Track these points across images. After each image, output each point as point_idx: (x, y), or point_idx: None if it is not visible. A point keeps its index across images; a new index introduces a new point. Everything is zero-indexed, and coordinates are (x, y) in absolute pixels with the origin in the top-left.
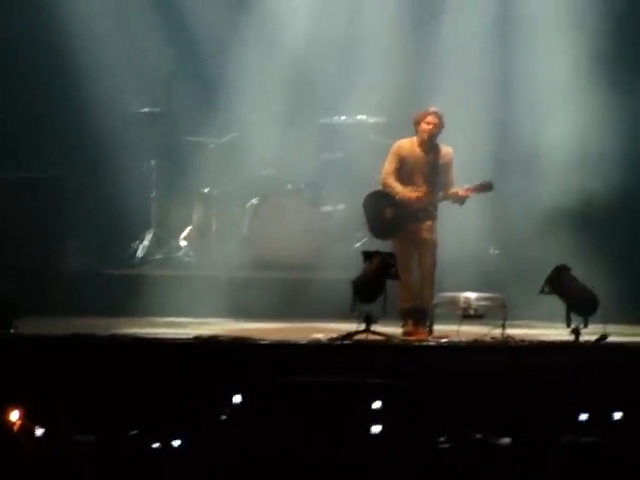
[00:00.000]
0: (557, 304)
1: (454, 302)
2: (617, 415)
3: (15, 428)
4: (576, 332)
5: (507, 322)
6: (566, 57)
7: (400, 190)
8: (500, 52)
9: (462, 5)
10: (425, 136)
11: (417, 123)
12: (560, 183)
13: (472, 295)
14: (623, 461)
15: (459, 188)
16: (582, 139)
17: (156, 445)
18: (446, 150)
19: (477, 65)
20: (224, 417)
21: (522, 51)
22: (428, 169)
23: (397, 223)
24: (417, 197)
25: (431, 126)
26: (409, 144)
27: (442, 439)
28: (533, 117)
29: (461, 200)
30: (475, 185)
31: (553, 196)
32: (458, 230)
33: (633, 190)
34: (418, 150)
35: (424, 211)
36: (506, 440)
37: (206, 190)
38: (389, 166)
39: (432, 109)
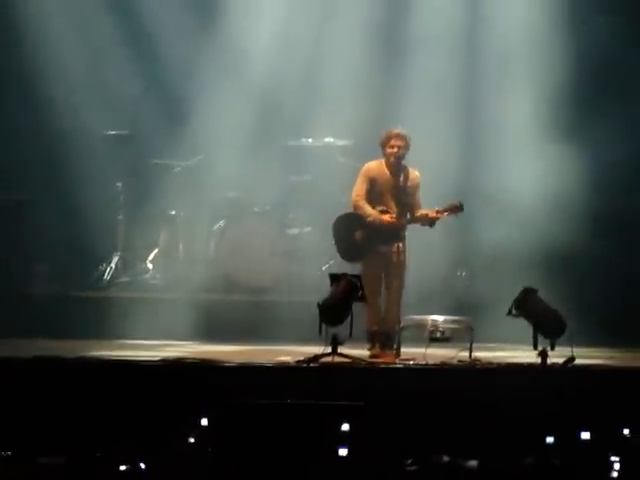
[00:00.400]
0: (524, 326)
1: (421, 325)
2: (584, 437)
3: None
4: (543, 354)
5: (474, 345)
6: (529, 96)
7: (371, 212)
8: (467, 78)
9: (429, 30)
10: (392, 158)
11: (383, 146)
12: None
13: (439, 318)
14: None
15: (429, 210)
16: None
17: (123, 467)
18: (413, 173)
19: (443, 88)
20: (191, 439)
21: (488, 81)
22: (397, 191)
23: (367, 245)
24: (388, 220)
25: (396, 148)
26: (378, 166)
27: (409, 461)
28: (498, 141)
29: (431, 222)
30: (445, 207)
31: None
32: (426, 253)
33: (597, 218)
34: (386, 172)
35: (393, 233)
36: (473, 462)
37: (173, 212)
38: (359, 188)
39: (395, 131)
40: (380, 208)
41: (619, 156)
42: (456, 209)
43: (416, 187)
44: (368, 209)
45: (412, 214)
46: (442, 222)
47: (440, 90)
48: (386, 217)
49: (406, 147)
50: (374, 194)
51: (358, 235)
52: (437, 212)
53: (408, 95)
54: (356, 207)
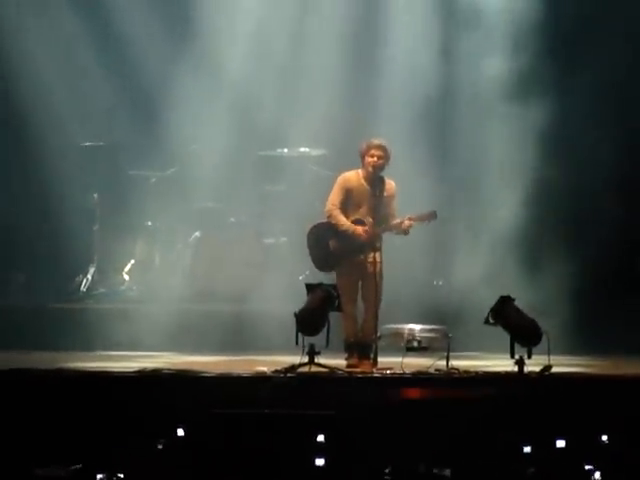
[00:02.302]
0: (501, 335)
1: (398, 334)
2: (561, 444)
3: None
4: (520, 363)
5: (451, 353)
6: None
7: (344, 222)
8: (441, 91)
9: (404, 36)
10: (370, 168)
11: (362, 156)
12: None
13: (416, 327)
14: None
15: (402, 218)
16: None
17: (100, 477)
18: (390, 183)
19: (420, 97)
20: (168, 449)
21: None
22: (373, 201)
23: (341, 255)
24: (360, 233)
25: (375, 158)
26: (354, 176)
27: (386, 470)
28: (473, 147)
29: (405, 231)
30: (418, 214)
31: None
32: (402, 262)
33: (578, 222)
34: (363, 182)
35: (368, 243)
36: (449, 471)
37: (149, 223)
38: (334, 197)
39: (377, 141)
40: (354, 218)
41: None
42: (429, 217)
43: (392, 197)
44: (342, 219)
45: (386, 223)
46: (419, 231)
47: (414, 101)
48: (358, 229)
49: (386, 158)
50: (350, 204)
51: (332, 244)
52: (410, 219)
53: (383, 105)
54: (330, 217)
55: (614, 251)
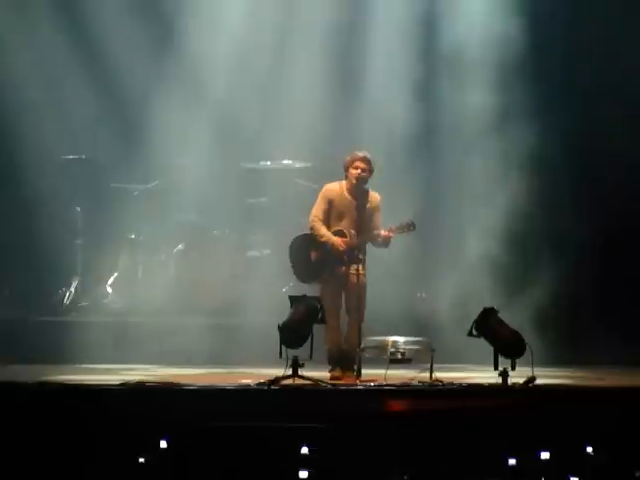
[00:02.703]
0: (485, 347)
1: (382, 346)
2: (545, 456)
3: None
4: (504, 375)
5: (435, 365)
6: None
7: (325, 233)
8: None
9: (387, 48)
10: (353, 180)
11: (346, 168)
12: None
13: (400, 339)
14: None
15: (382, 229)
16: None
17: None
18: (374, 195)
19: (403, 110)
20: (153, 462)
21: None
22: (356, 213)
23: (322, 266)
24: (340, 244)
25: (359, 171)
26: (338, 188)
27: None
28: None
29: (385, 243)
30: (397, 225)
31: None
32: (385, 274)
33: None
34: (346, 194)
35: (350, 255)
36: None
37: (132, 236)
38: (317, 209)
39: (361, 154)
40: (336, 229)
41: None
42: (408, 227)
43: (376, 209)
44: (322, 230)
45: (368, 234)
46: (400, 241)
47: (396, 114)
48: (338, 240)
49: (370, 171)
50: (333, 215)
51: (313, 256)
52: (390, 231)
53: (366, 116)
54: (312, 228)
55: (596, 262)
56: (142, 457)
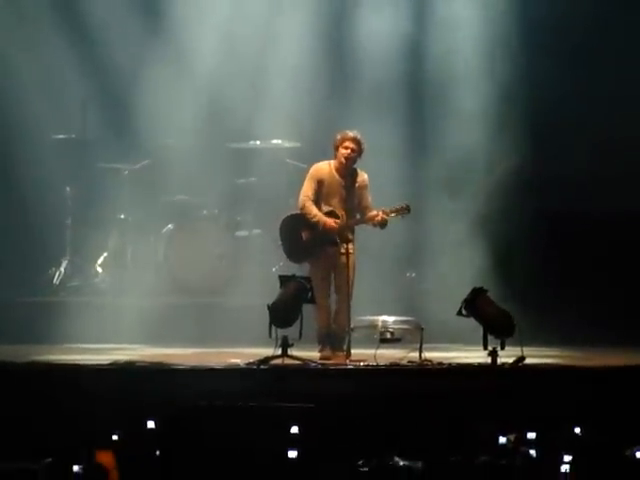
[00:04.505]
0: (474, 326)
1: (371, 326)
2: (533, 436)
3: None
4: (493, 354)
5: (424, 345)
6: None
7: (316, 213)
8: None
9: (374, 27)
10: (342, 160)
11: (336, 147)
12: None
13: (389, 319)
14: None
15: (377, 210)
16: None
17: (76, 468)
18: (362, 175)
19: (391, 90)
20: (141, 442)
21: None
22: (345, 193)
23: (313, 246)
24: (330, 224)
25: (349, 150)
26: (327, 167)
27: (360, 462)
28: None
29: (382, 224)
30: (392, 208)
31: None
32: (375, 254)
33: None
34: (335, 174)
35: (341, 234)
36: (422, 463)
37: (121, 216)
38: (307, 189)
39: (351, 134)
40: (327, 209)
41: None
42: (403, 210)
43: (364, 188)
44: (314, 210)
45: (362, 215)
46: (392, 223)
47: (387, 92)
48: (329, 221)
49: (359, 151)
50: (322, 195)
51: (304, 236)
52: (384, 213)
53: (355, 97)
54: (302, 208)
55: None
56: (132, 437)
